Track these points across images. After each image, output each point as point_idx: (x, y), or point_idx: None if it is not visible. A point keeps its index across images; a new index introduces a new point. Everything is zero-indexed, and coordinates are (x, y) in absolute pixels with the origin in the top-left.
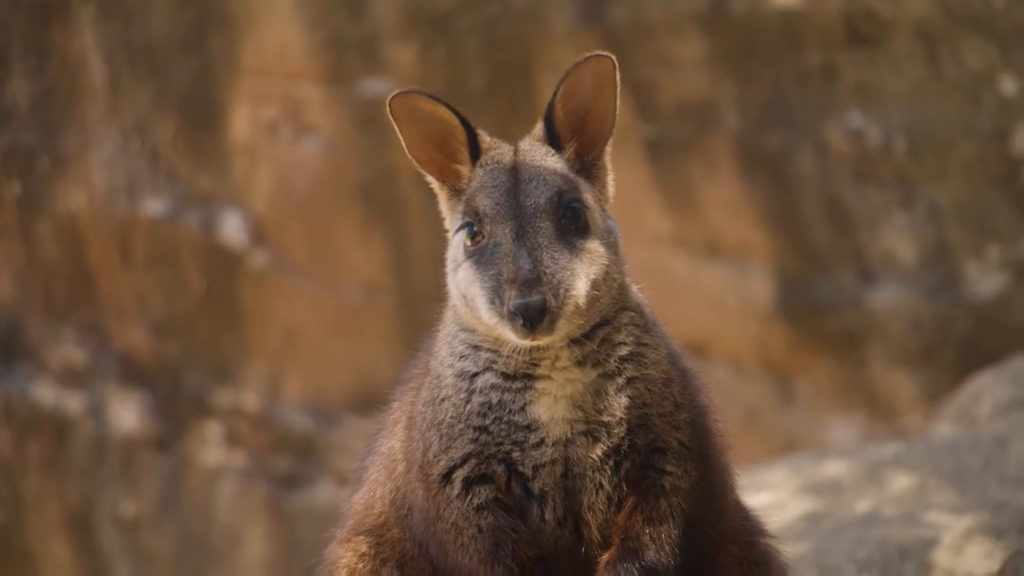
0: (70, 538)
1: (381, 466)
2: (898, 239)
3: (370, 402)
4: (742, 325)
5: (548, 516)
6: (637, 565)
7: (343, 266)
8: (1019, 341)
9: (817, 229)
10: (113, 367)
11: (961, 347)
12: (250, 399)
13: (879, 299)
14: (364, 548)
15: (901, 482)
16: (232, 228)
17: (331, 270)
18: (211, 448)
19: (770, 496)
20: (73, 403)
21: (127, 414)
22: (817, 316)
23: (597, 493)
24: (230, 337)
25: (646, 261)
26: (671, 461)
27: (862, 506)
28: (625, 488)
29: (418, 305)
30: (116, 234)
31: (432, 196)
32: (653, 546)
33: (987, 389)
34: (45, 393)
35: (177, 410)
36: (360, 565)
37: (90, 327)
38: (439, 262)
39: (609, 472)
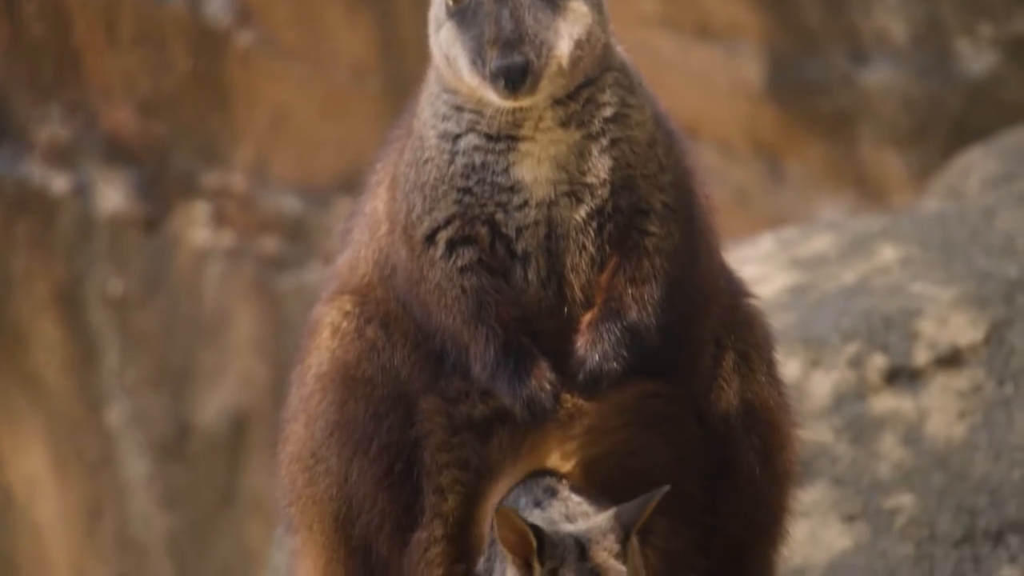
0: (59, 316)
1: (365, 227)
2: (890, 18)
3: (358, 184)
4: (732, 106)
5: (531, 277)
6: (619, 325)
7: (330, 47)
8: (1010, 118)
9: (808, 8)
10: (99, 146)
11: (952, 126)
12: (238, 180)
13: (870, 78)
14: (349, 307)
15: (887, 254)
16: (218, 7)
17: (318, 51)
18: (198, 228)
19: (756, 269)
20: (60, 182)
21: (114, 193)
22: (808, 96)
23: (580, 254)
24: (217, 117)
25: (635, 42)
26: (654, 222)
27: (848, 278)
28: (608, 249)
29: (405, 88)
30: (101, 12)
31: None
32: (635, 306)
33: (976, 164)
34: (32, 171)
35: (164, 190)
36: (344, 323)
37: (76, 106)
38: (426, 46)
39: (592, 233)
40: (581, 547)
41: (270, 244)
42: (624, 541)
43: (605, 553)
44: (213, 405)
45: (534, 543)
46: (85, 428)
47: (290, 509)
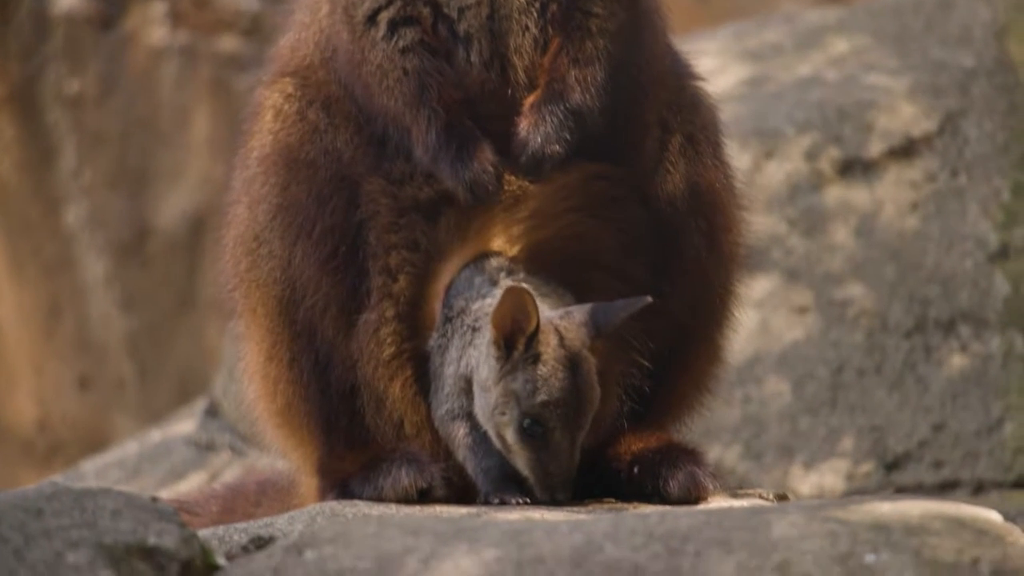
0: (14, 116)
1: (306, 8)
2: None
3: None
4: None
5: (474, 59)
6: (562, 107)
7: None
8: None
9: None
10: None
11: None
12: None
13: None
14: (290, 90)
15: (842, 46)
16: None
17: None
18: (155, 27)
19: (711, 62)
20: None
21: None
22: None
23: (523, 35)
24: None
25: None
26: (598, 3)
27: (802, 70)
28: (551, 31)
29: None
30: None
31: None
32: (579, 88)
33: None
34: None
35: None
36: (286, 106)
37: None
38: None
39: (535, 14)
40: (560, 335)
41: (227, 43)
42: (594, 339)
43: (579, 343)
44: (171, 206)
45: (533, 327)
46: (43, 228)
47: (234, 293)
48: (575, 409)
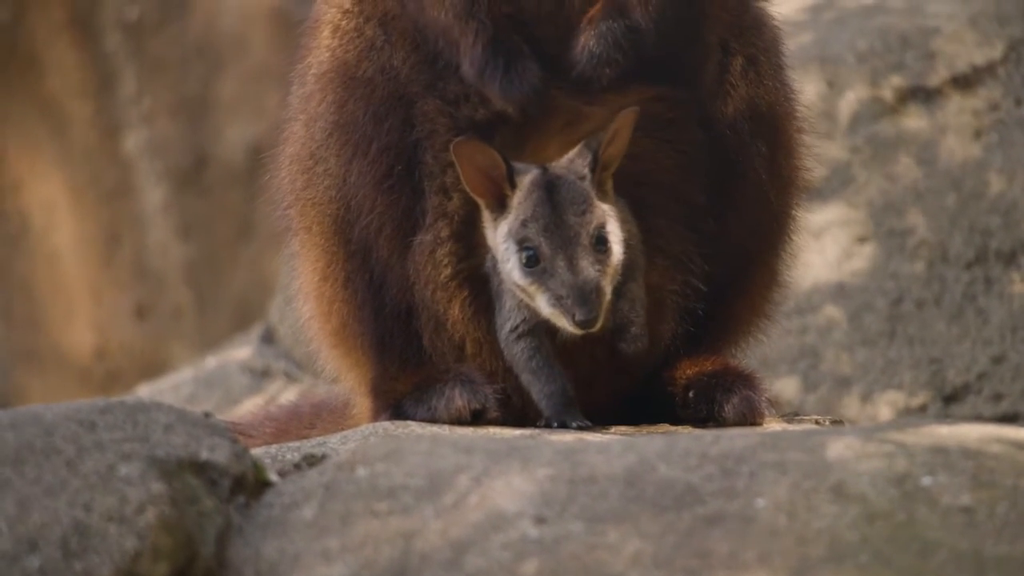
0: (75, 41)
1: None
2: None
3: None
4: None
5: None
6: (621, 23)
7: None
8: None
9: None
10: None
11: None
12: None
13: None
14: (348, 5)
15: None
16: None
17: None
18: None
19: None
20: None
21: None
22: None
23: None
24: None
25: None
26: None
27: None
28: None
29: None
30: None
31: None
32: (638, 6)
33: None
34: None
35: None
36: (344, 22)
37: None
38: None
39: None
40: (543, 168)
41: None
42: (593, 165)
43: (564, 170)
44: (230, 134)
45: (504, 165)
46: (102, 155)
47: (289, 211)
48: (554, 222)
